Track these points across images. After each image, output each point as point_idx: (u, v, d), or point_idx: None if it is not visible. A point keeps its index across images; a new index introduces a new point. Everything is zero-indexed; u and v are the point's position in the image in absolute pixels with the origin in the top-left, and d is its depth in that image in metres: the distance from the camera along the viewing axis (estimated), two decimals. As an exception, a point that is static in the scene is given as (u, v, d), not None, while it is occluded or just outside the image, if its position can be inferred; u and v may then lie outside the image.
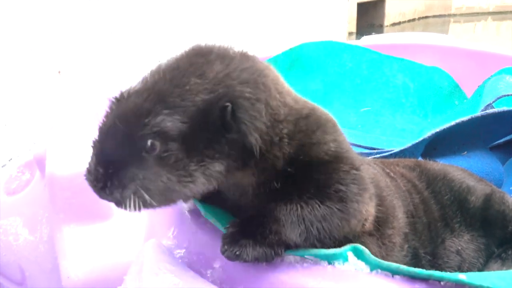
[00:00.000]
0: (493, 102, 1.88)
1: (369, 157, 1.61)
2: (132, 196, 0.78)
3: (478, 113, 1.68)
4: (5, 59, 2.66)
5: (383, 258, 1.01)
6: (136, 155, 0.78)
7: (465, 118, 1.65)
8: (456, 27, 9.33)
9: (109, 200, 0.82)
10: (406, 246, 1.24)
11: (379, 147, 2.06)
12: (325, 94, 2.85)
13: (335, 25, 6.09)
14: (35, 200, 1.47)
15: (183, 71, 0.82)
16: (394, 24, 9.04)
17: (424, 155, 1.75)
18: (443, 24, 9.52)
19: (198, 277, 0.94)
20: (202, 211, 1.02)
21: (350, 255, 0.93)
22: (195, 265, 1.03)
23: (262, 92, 0.84)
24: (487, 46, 2.79)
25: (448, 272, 0.84)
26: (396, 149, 1.76)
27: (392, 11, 8.99)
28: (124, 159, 0.79)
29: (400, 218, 1.24)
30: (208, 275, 0.99)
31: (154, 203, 0.81)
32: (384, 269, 0.89)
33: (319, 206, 0.89)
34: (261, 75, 0.86)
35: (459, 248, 1.32)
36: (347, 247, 0.94)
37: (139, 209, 0.80)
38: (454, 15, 10.49)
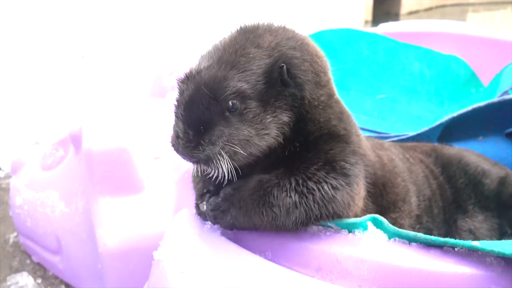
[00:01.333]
0: (510, 89, 1.91)
1: (388, 140, 1.66)
2: (221, 152, 0.89)
3: (495, 99, 1.71)
4: (35, 47, 2.76)
5: None
6: (220, 115, 0.91)
7: (482, 103, 1.68)
8: (475, 16, 9.16)
9: (199, 159, 0.90)
10: (417, 227, 1.30)
11: (394, 133, 2.10)
12: (342, 81, 2.86)
13: (352, 13, 6.06)
14: (70, 174, 1.57)
15: (242, 44, 0.96)
16: (410, 13, 8.91)
17: (440, 140, 1.79)
18: (461, 13, 9.35)
19: (230, 242, 1.02)
20: None
21: (370, 224, 1.00)
22: (224, 233, 1.11)
23: (307, 55, 0.99)
24: (506, 35, 2.78)
25: (462, 240, 0.90)
26: (413, 133, 1.81)
27: (409, -1, 8.86)
28: (210, 121, 0.90)
29: (412, 202, 1.30)
30: (237, 241, 1.07)
31: (239, 157, 0.91)
32: (403, 237, 0.96)
33: (326, 177, 0.97)
34: (303, 43, 1.01)
35: (472, 227, 1.38)
36: (367, 217, 1.01)
37: (227, 164, 0.89)
38: (473, 4, 10.29)
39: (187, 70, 0.97)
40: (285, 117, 0.96)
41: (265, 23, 1.04)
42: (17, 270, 1.75)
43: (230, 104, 0.90)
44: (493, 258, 0.87)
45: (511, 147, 1.83)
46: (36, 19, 2.76)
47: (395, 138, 1.81)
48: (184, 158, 0.93)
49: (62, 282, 1.66)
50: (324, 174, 0.97)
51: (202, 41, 3.77)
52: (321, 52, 1.07)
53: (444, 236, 1.33)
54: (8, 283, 1.66)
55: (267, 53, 0.95)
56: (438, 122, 1.76)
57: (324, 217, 0.96)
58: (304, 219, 0.95)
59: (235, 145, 0.90)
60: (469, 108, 1.71)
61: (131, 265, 1.32)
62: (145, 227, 1.33)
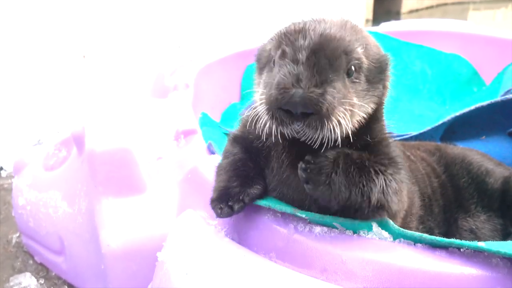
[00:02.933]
0: (513, 88, 1.91)
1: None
2: (341, 108, 0.85)
3: (498, 98, 1.71)
4: (37, 47, 2.76)
5: None
6: (339, 73, 0.88)
7: (484, 103, 1.68)
8: (476, 14, 9.13)
9: (319, 111, 0.81)
10: (421, 227, 1.30)
11: (396, 133, 2.09)
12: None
13: (353, 12, 6.05)
14: (73, 175, 1.57)
15: (358, 29, 0.99)
16: (411, 11, 8.89)
17: (443, 139, 1.79)
18: (462, 11, 9.33)
19: (234, 243, 1.02)
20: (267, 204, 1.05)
21: (375, 225, 0.99)
22: (227, 233, 1.11)
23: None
24: (508, 33, 2.77)
25: (467, 241, 0.90)
26: (416, 132, 1.80)
27: (410, -3, 8.84)
28: (337, 73, 0.87)
29: (416, 203, 1.30)
30: (241, 242, 1.07)
31: (353, 121, 0.89)
32: (408, 238, 0.96)
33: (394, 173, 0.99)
34: None
35: (474, 227, 1.38)
36: (372, 217, 1.00)
37: (345, 124, 0.84)
38: (474, 2, 10.27)
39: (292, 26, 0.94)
40: (372, 105, 0.97)
41: None
42: (20, 271, 1.75)
43: (352, 67, 0.90)
44: (499, 260, 0.86)
45: (514, 146, 1.83)
46: (37, 19, 2.76)
47: (398, 138, 1.81)
48: (293, 106, 0.81)
49: (65, 282, 1.65)
50: (394, 170, 0.99)
51: (204, 40, 3.76)
52: None
53: (444, 235, 1.33)
54: (11, 283, 1.66)
55: (377, 48, 1.01)
56: (441, 121, 1.76)
57: (387, 206, 0.96)
58: (379, 204, 0.94)
59: (348, 105, 0.86)
60: (472, 107, 1.71)
61: (135, 266, 1.32)
62: (148, 228, 1.33)
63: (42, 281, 1.68)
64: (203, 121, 2.09)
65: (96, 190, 1.39)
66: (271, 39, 0.99)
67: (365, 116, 0.95)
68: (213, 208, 1.00)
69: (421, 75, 2.87)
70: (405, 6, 8.70)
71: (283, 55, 0.88)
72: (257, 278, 0.91)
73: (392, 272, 0.90)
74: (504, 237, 1.38)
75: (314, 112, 0.81)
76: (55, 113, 2.81)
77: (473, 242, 0.88)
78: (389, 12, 8.50)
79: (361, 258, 0.93)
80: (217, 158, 1.28)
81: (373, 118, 1.01)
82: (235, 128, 1.20)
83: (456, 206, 1.41)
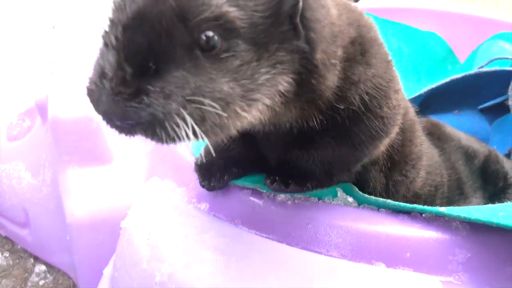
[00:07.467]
0: (486, 64, 1.93)
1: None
2: (181, 111, 0.51)
3: (472, 71, 1.73)
4: (3, 16, 2.63)
5: None
6: (186, 52, 0.53)
7: (459, 75, 1.70)
8: (456, -3, 9.23)
9: (138, 120, 0.52)
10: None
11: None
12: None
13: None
14: (37, 145, 1.51)
15: None
16: (393, -7, 8.89)
17: (417, 112, 1.80)
18: (443, -6, 9.39)
19: (198, 209, 1.00)
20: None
21: (339, 191, 0.99)
22: (192, 200, 1.08)
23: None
24: (484, 12, 2.79)
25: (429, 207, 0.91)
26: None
27: (392, -22, 8.83)
28: (168, 56, 0.52)
29: (420, 175, 1.19)
30: (206, 209, 1.05)
31: (212, 126, 0.54)
32: (372, 203, 0.96)
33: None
34: None
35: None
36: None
37: (190, 134, 0.52)
38: (454, -15, 10.34)
39: None
40: (284, 83, 0.61)
41: None
42: (-16, 245, 1.70)
43: (204, 37, 0.52)
44: (458, 223, 0.87)
45: (484, 121, 1.87)
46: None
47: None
48: (106, 117, 0.54)
49: (31, 255, 1.61)
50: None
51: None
52: None
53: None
54: (-25, 257, 1.61)
55: None
56: (417, 94, 1.77)
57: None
58: None
59: (207, 104, 0.51)
60: (447, 79, 1.73)
61: (100, 236, 1.29)
62: (114, 198, 1.30)
63: (7, 254, 1.63)
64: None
65: (61, 160, 1.34)
66: None
67: (276, 100, 0.62)
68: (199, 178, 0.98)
69: (398, 53, 2.87)
70: (387, -13, 8.69)
71: (103, 34, 0.56)
72: (221, 243, 0.90)
73: (355, 236, 0.90)
74: None
75: (128, 129, 0.54)
76: (22, 85, 2.70)
77: (435, 207, 0.89)
78: (370, -7, 8.47)
79: (325, 223, 0.93)
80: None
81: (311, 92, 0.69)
82: None
83: (458, 193, 1.36)
